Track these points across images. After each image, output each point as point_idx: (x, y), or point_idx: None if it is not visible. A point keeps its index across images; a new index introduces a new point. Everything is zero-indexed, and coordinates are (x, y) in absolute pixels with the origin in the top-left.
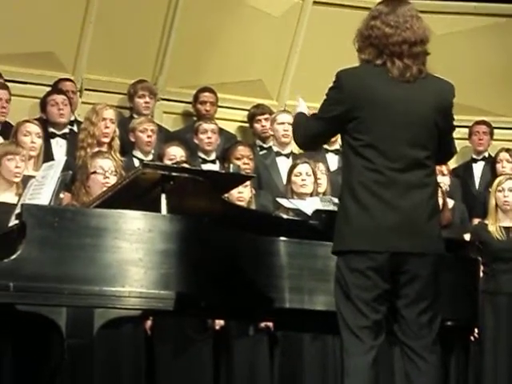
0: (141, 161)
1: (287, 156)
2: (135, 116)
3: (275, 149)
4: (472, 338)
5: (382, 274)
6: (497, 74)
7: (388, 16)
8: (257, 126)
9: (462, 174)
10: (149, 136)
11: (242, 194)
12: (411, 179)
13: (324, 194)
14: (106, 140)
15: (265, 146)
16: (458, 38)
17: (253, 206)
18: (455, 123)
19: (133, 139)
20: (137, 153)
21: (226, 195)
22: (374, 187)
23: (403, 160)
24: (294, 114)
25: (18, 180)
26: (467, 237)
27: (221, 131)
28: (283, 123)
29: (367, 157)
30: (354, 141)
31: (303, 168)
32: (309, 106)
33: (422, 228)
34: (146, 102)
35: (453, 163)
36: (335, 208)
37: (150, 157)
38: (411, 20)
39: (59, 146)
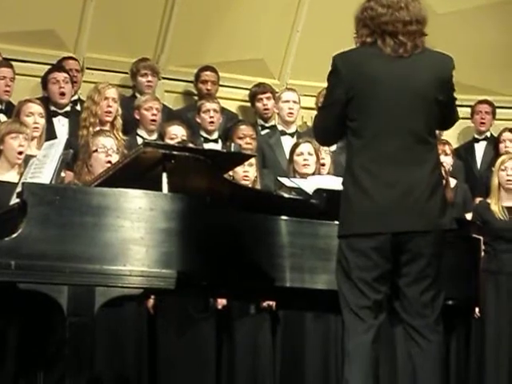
0: (144, 139)
1: (292, 135)
2: (137, 95)
3: (280, 127)
4: (475, 316)
5: (383, 254)
6: (499, 54)
7: None
8: (258, 104)
9: (464, 153)
10: (153, 114)
11: (247, 173)
12: (410, 155)
13: (328, 174)
14: (109, 119)
15: (266, 125)
16: (459, 17)
17: (258, 185)
18: (457, 102)
19: (137, 117)
20: (141, 131)
21: (231, 174)
22: (371, 166)
23: (401, 136)
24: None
25: (20, 159)
26: (469, 216)
27: (223, 110)
28: (288, 101)
29: (364, 135)
30: (351, 122)
31: (305, 147)
32: (310, 85)
33: (423, 205)
34: (149, 81)
35: (455, 143)
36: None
37: (155, 135)
38: (410, 0)
39: (61, 125)
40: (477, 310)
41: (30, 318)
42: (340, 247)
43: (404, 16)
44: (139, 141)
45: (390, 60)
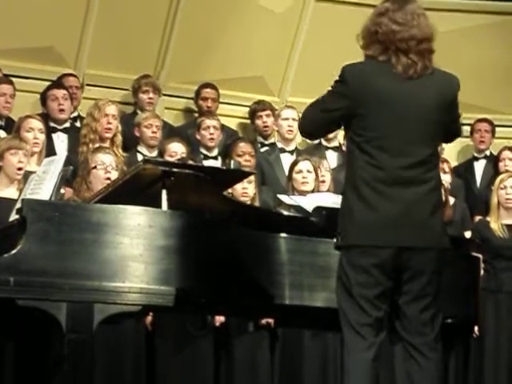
0: (144, 156)
1: (291, 152)
2: (138, 111)
3: (279, 145)
4: (473, 335)
5: (385, 271)
6: (499, 72)
7: (396, 13)
8: (258, 122)
9: (464, 172)
10: (154, 132)
11: (246, 190)
12: (412, 175)
13: (328, 191)
14: (109, 136)
15: (266, 142)
16: (460, 35)
17: (256, 202)
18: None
19: (138, 134)
20: (142, 148)
21: (231, 191)
22: (375, 184)
23: (406, 156)
24: None
25: (20, 175)
26: (468, 235)
27: (222, 127)
28: (287, 119)
29: (370, 153)
30: (357, 136)
31: (304, 165)
32: (310, 102)
33: (425, 222)
34: (150, 98)
35: (454, 161)
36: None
37: (155, 152)
38: (418, 17)
39: (61, 141)
40: (476, 328)
41: (27, 333)
42: (340, 263)
43: (417, 34)
44: (139, 157)
45: (400, 79)
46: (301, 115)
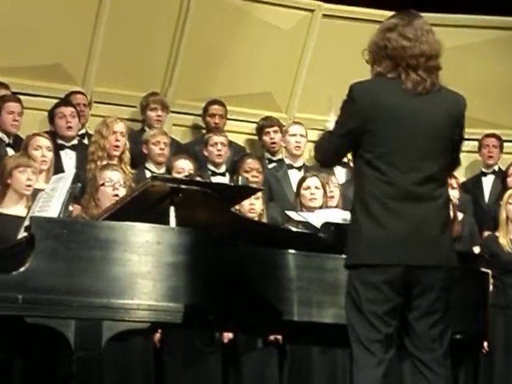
0: (153, 173)
1: (299, 169)
2: (146, 129)
3: (287, 161)
4: (483, 351)
5: (394, 288)
6: (506, 87)
7: (405, 28)
8: (265, 138)
9: (472, 187)
10: (161, 149)
11: (253, 206)
12: (422, 192)
13: (336, 207)
14: (117, 153)
15: (273, 158)
16: (466, 51)
17: (264, 219)
18: (465, 136)
19: (146, 151)
20: (150, 165)
21: (238, 207)
22: (385, 200)
23: (416, 173)
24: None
25: (28, 193)
26: (477, 250)
27: (230, 144)
28: (295, 135)
29: (380, 169)
30: (366, 153)
31: (312, 181)
32: (317, 118)
33: (435, 239)
34: (158, 115)
35: (462, 177)
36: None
37: (163, 169)
38: (427, 33)
39: (69, 158)
40: (485, 344)
41: (36, 350)
42: (350, 279)
43: (426, 50)
44: (147, 174)
45: (409, 95)
46: (314, 149)
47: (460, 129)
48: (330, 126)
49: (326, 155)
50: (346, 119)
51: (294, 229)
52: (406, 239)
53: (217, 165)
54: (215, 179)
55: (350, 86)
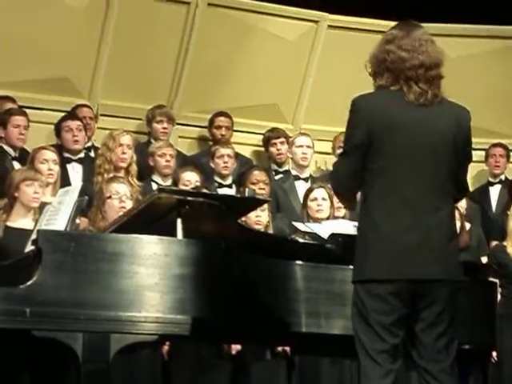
0: (159, 185)
1: (306, 180)
2: (153, 141)
3: (294, 172)
4: (492, 360)
5: (401, 299)
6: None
7: (403, 40)
8: (272, 149)
9: (479, 197)
10: (167, 161)
11: (259, 218)
12: (429, 201)
13: (343, 218)
14: (123, 165)
15: (280, 169)
16: (471, 60)
17: (270, 230)
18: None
19: (152, 163)
20: (156, 177)
21: (244, 219)
22: (390, 210)
23: (421, 182)
24: None
25: (36, 205)
26: (484, 260)
27: (237, 155)
28: (302, 146)
29: (384, 179)
30: (371, 164)
31: (319, 193)
32: (323, 129)
33: (442, 252)
34: (164, 128)
35: (470, 187)
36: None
37: (169, 181)
38: (426, 44)
39: (75, 172)
40: (494, 354)
41: (43, 363)
42: (356, 291)
43: (425, 60)
44: (154, 186)
45: (412, 106)
46: (332, 186)
47: (466, 144)
48: None
49: (339, 183)
50: (353, 132)
51: (301, 240)
52: (413, 252)
53: (223, 177)
54: (222, 191)
55: (352, 100)
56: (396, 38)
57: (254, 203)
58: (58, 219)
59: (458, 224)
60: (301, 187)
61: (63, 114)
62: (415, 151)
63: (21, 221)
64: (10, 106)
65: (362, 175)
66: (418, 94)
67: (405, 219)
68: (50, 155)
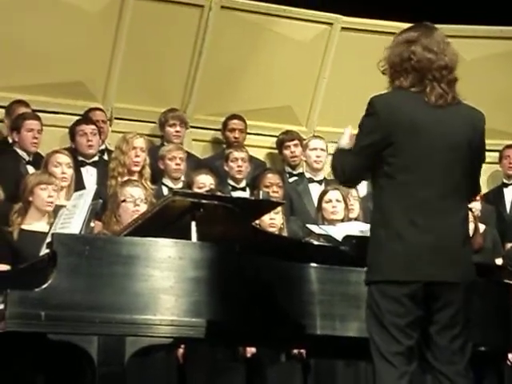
0: (170, 189)
1: (320, 182)
2: (166, 144)
3: (307, 175)
4: (508, 362)
5: (415, 301)
6: None
7: (427, 40)
8: (286, 152)
9: (493, 198)
10: (177, 164)
11: (273, 221)
12: (445, 203)
13: (356, 219)
14: (137, 169)
15: (294, 172)
16: (485, 61)
17: (284, 233)
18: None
19: (162, 167)
20: (166, 181)
21: (258, 222)
22: (406, 212)
23: (437, 184)
24: (337, 145)
25: (50, 209)
26: (499, 261)
27: (250, 158)
28: (316, 149)
29: (402, 181)
30: (387, 166)
31: (333, 195)
32: (337, 131)
33: (457, 255)
34: (177, 131)
35: (484, 188)
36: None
37: (180, 184)
38: (447, 46)
39: (90, 175)
40: (510, 356)
41: (58, 366)
42: (370, 293)
43: (448, 62)
44: (164, 190)
45: (430, 108)
46: (332, 167)
47: (481, 148)
48: (342, 142)
49: (345, 176)
50: (368, 133)
51: (315, 242)
52: (427, 254)
53: (237, 180)
54: (235, 194)
55: (370, 99)
56: (420, 38)
57: (268, 206)
58: (72, 222)
59: (472, 226)
60: (315, 190)
61: (77, 118)
62: (433, 152)
63: (36, 224)
64: (23, 110)
65: (368, 171)
66: (439, 95)
67: (420, 221)
68: (64, 159)
